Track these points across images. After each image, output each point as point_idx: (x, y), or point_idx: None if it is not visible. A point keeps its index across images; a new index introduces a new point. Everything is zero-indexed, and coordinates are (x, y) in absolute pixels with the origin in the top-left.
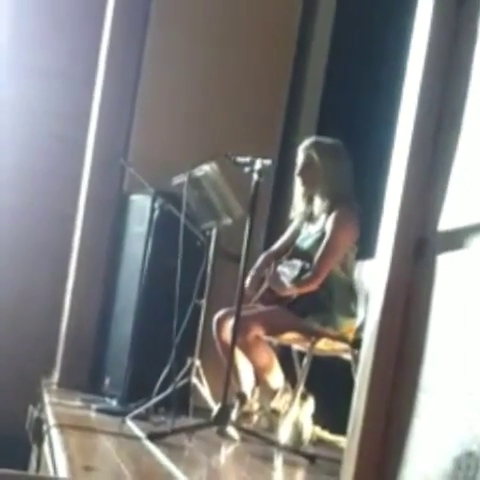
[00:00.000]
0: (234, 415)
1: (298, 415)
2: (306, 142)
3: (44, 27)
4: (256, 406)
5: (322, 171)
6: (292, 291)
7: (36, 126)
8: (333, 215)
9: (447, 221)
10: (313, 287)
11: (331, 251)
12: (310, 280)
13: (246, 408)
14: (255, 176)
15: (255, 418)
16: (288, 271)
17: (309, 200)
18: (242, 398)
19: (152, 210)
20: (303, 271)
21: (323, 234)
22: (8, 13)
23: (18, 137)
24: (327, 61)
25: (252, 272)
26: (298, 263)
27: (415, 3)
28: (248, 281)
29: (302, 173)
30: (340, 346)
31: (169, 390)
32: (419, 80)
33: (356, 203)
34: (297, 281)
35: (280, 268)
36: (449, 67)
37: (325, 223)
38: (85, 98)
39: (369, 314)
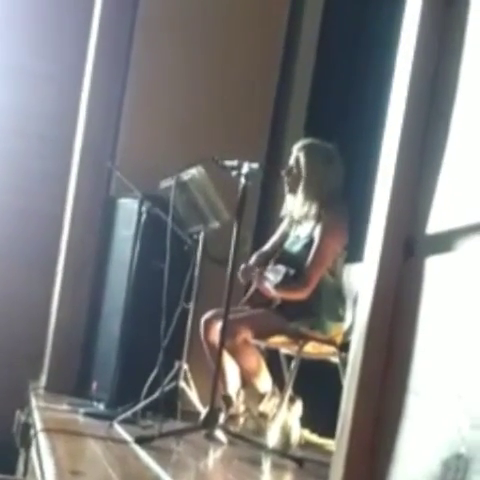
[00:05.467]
0: (222, 419)
1: (286, 418)
2: (299, 143)
3: (32, 29)
4: (242, 408)
5: (305, 174)
6: (276, 296)
7: (24, 128)
8: (322, 223)
9: (435, 223)
10: (302, 296)
11: (321, 260)
12: (300, 289)
13: (232, 411)
14: (242, 180)
15: (241, 420)
16: (272, 276)
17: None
18: (228, 401)
19: (139, 214)
20: (286, 277)
21: (311, 240)
22: None
23: (5, 139)
24: (314, 64)
25: (245, 265)
26: (282, 269)
27: (404, 3)
28: (241, 268)
29: (286, 173)
30: (328, 349)
31: (157, 394)
32: (407, 82)
33: (345, 207)
34: (279, 287)
35: (265, 273)
36: (437, 68)
37: (314, 229)
38: (73, 100)
39: (357, 317)
